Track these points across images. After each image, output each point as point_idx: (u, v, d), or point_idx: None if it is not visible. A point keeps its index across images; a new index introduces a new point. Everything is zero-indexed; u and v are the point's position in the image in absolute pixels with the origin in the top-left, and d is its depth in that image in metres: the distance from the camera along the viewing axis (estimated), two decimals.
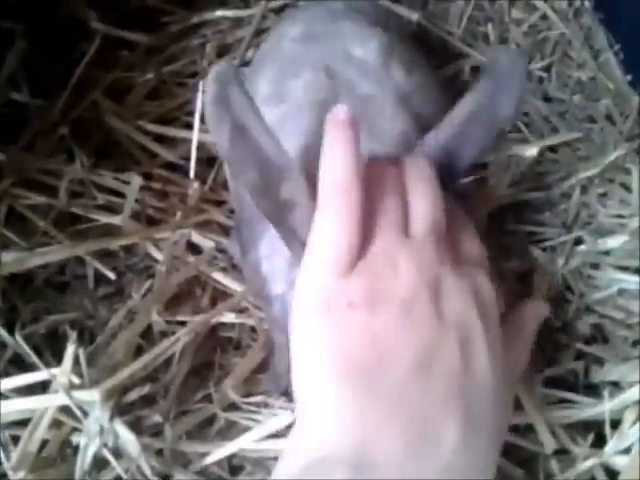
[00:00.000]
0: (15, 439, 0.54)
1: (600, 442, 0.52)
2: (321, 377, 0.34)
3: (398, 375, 0.33)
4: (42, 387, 0.55)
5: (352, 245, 0.37)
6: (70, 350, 0.54)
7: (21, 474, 0.51)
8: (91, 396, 0.52)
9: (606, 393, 0.53)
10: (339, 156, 0.40)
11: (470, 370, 0.34)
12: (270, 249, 0.54)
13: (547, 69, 0.90)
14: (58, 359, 0.55)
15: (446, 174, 0.46)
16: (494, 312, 0.37)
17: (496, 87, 0.46)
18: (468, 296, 0.36)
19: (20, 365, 0.59)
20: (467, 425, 0.33)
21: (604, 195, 0.73)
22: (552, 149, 0.79)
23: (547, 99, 0.87)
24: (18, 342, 0.58)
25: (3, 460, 0.53)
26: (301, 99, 0.60)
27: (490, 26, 0.93)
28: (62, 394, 0.53)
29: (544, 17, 0.95)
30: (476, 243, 0.43)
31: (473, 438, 0.33)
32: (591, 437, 0.52)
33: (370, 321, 0.35)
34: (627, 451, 0.51)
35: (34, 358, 0.57)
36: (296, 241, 0.46)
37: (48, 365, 0.57)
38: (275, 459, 0.51)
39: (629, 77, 0.89)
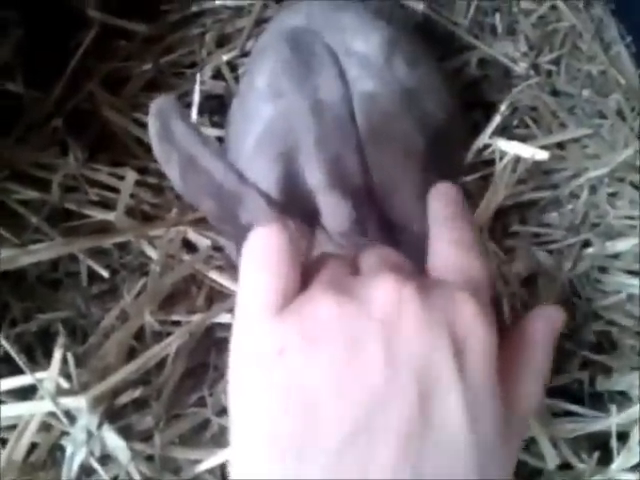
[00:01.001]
0: (4, 442, 0.53)
1: (606, 456, 0.51)
2: (250, 440, 0.28)
3: (334, 440, 0.26)
4: (33, 388, 0.53)
5: (283, 287, 0.30)
6: (58, 354, 0.53)
7: (8, 479, 0.50)
8: (78, 402, 0.50)
9: (614, 408, 0.52)
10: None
11: (432, 430, 0.26)
12: None
13: (556, 62, 0.88)
14: (49, 358, 0.54)
15: (351, 191, 0.44)
16: (479, 347, 0.28)
17: (306, 81, 0.43)
18: (436, 330, 0.27)
19: (12, 364, 0.57)
20: None
21: (613, 195, 0.71)
22: (560, 146, 0.77)
23: (555, 93, 0.85)
24: (4, 344, 0.57)
25: None
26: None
27: (498, 17, 0.91)
28: (48, 401, 0.51)
29: (554, 8, 0.93)
30: (461, 254, 0.33)
31: None
32: (597, 454, 0.50)
33: (301, 371, 0.28)
34: (635, 468, 0.49)
35: (20, 363, 0.55)
36: None
37: (39, 365, 0.56)
38: None
39: None
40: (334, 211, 0.45)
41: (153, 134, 0.42)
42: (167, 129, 0.41)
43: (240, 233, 0.43)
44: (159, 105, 0.42)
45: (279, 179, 0.55)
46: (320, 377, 0.27)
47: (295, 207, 0.46)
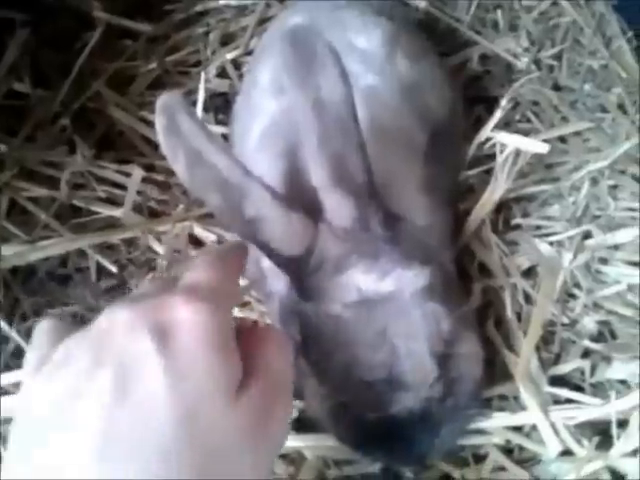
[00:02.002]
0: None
1: (606, 443, 0.51)
2: None
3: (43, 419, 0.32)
4: None
5: None
6: None
7: None
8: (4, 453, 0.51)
9: (613, 394, 0.52)
10: None
11: (130, 400, 0.30)
12: None
13: (558, 57, 0.88)
14: None
15: (353, 187, 0.45)
16: (185, 327, 0.33)
17: (308, 79, 0.44)
18: (138, 328, 0.32)
19: (22, 358, 0.58)
20: (109, 452, 0.30)
21: (615, 187, 0.71)
22: (562, 139, 0.77)
23: (557, 88, 0.85)
24: (17, 336, 0.58)
25: (2, 453, 0.53)
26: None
27: (500, 13, 0.92)
28: None
29: (555, 3, 0.93)
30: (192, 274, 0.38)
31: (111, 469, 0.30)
32: (596, 439, 0.51)
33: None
34: (634, 453, 0.50)
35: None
36: (273, 254, 0.46)
37: None
38: None
39: None
40: (337, 208, 0.46)
41: (160, 129, 0.43)
42: (173, 124, 0.42)
43: (245, 227, 0.44)
44: (165, 101, 0.43)
45: (283, 174, 0.55)
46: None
47: (299, 201, 0.47)
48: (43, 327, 0.39)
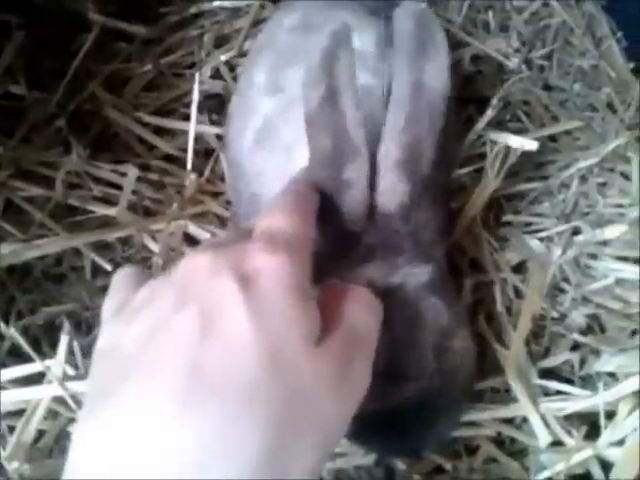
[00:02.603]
0: (12, 430, 0.54)
1: (595, 433, 0.52)
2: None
3: (131, 347, 0.32)
4: (39, 378, 0.55)
5: None
6: (64, 341, 0.55)
7: (15, 464, 0.52)
8: (85, 387, 0.52)
9: (601, 385, 0.53)
10: None
11: (215, 338, 0.31)
12: None
13: (548, 57, 0.89)
14: (55, 349, 0.56)
15: (415, 176, 0.45)
16: (267, 272, 0.33)
17: (416, 61, 0.44)
18: (222, 271, 0.33)
19: (18, 356, 0.59)
20: (191, 396, 0.30)
21: (604, 185, 0.72)
22: (552, 138, 0.79)
23: (548, 87, 0.86)
24: (13, 334, 0.59)
25: (0, 451, 0.53)
26: (297, 89, 0.59)
27: (491, 14, 0.93)
28: (56, 385, 0.53)
29: (546, 4, 0.95)
30: (268, 219, 0.38)
31: (199, 414, 0.29)
32: (584, 429, 0.52)
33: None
34: (621, 443, 0.50)
35: (28, 349, 0.57)
36: (331, 223, 0.45)
37: (45, 356, 0.58)
38: None
39: (631, 65, 0.88)
40: (393, 190, 0.46)
41: (322, 51, 0.42)
42: (334, 54, 0.42)
43: (334, 182, 0.44)
44: (341, 28, 0.43)
45: (280, 171, 0.56)
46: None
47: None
48: (121, 275, 0.40)
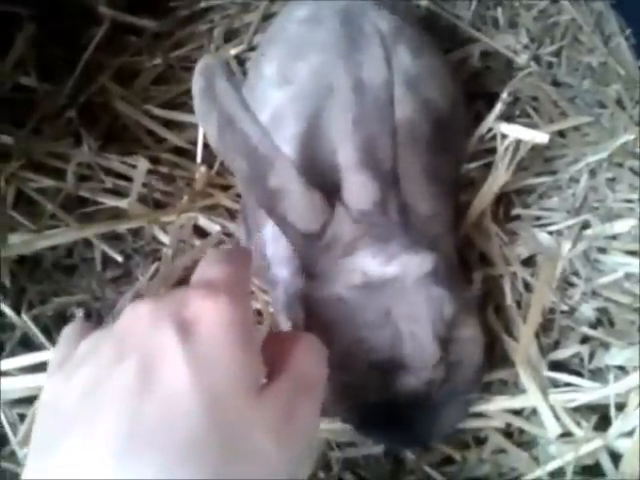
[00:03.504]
0: (22, 417, 0.55)
1: (604, 425, 0.52)
2: None
3: (72, 402, 0.32)
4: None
5: None
6: None
7: (27, 450, 0.52)
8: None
9: (611, 376, 0.53)
10: None
11: (153, 391, 0.30)
12: (273, 235, 0.54)
13: (557, 54, 0.89)
14: None
15: (380, 171, 0.46)
16: (208, 320, 0.33)
17: (351, 58, 0.45)
18: (162, 320, 0.33)
19: (28, 346, 0.60)
20: (129, 447, 0.29)
21: (613, 180, 0.72)
22: (561, 134, 0.79)
23: (557, 84, 0.86)
24: (26, 322, 0.59)
25: (11, 437, 0.54)
26: (307, 82, 0.59)
27: (500, 10, 0.93)
28: None
29: (555, 1, 0.95)
30: (205, 270, 0.39)
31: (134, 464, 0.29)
32: (594, 419, 0.52)
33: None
34: (631, 434, 0.50)
35: (41, 337, 0.57)
36: (289, 228, 0.46)
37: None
38: None
39: None
40: (360, 189, 0.46)
41: (196, 90, 0.43)
42: (210, 87, 0.43)
43: (266, 196, 0.45)
44: (206, 63, 0.43)
45: (298, 153, 0.56)
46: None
47: (316, 180, 0.48)
48: (67, 331, 0.40)
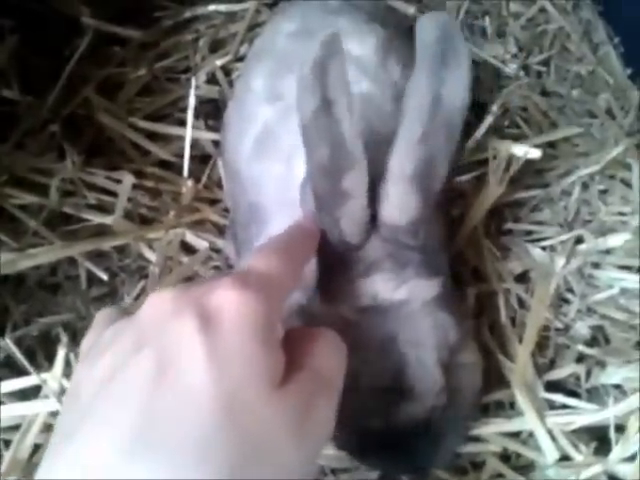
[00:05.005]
0: (8, 444, 0.53)
1: (603, 448, 0.52)
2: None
3: (86, 396, 0.32)
4: (36, 390, 0.54)
5: None
6: (61, 354, 0.54)
7: (12, 479, 0.51)
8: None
9: (609, 399, 0.53)
10: None
11: (169, 386, 0.30)
12: None
13: (546, 63, 0.89)
14: (51, 361, 0.55)
15: (427, 192, 0.44)
16: (231, 314, 0.32)
17: (436, 73, 0.42)
18: (183, 310, 0.32)
19: (13, 368, 0.58)
20: (141, 445, 0.29)
21: (605, 192, 0.72)
22: (551, 144, 0.78)
23: (545, 93, 0.86)
24: (8, 346, 0.58)
25: None
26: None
27: (487, 19, 0.92)
28: (53, 399, 0.52)
29: (543, 10, 0.94)
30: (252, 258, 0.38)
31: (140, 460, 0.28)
32: (593, 444, 0.51)
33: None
34: (632, 459, 0.50)
35: (25, 363, 0.56)
36: (334, 232, 0.45)
37: (40, 368, 0.57)
38: None
39: (629, 71, 0.88)
40: (403, 203, 0.45)
41: (312, 62, 0.41)
42: (326, 64, 0.41)
43: (332, 194, 0.43)
44: (331, 38, 0.41)
45: (280, 180, 0.55)
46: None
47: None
48: (101, 314, 0.39)
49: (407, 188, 0.44)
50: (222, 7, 0.90)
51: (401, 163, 0.44)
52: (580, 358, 0.59)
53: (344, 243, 0.45)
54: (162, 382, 0.30)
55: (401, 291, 0.45)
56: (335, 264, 0.47)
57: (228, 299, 0.32)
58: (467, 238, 0.64)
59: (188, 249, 0.67)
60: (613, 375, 0.56)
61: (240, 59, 0.84)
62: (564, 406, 0.54)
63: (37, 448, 0.53)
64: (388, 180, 0.44)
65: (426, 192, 0.44)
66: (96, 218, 0.68)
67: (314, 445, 0.33)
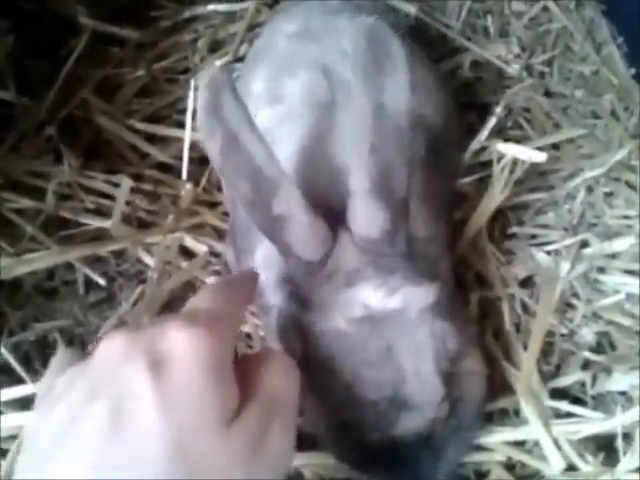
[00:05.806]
0: (5, 453, 0.52)
1: (609, 456, 0.51)
2: None
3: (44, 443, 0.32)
4: (33, 398, 0.53)
5: None
6: None
7: None
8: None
9: (615, 407, 0.52)
10: None
11: (123, 432, 0.30)
12: (266, 260, 0.52)
13: (549, 63, 0.88)
14: (47, 367, 0.54)
15: (392, 201, 0.44)
16: (182, 357, 0.32)
17: (373, 82, 0.41)
18: (134, 357, 0.32)
19: (9, 374, 0.57)
20: None
21: (610, 195, 0.71)
22: (555, 146, 0.77)
23: (549, 94, 0.85)
24: (4, 353, 0.57)
25: None
26: (297, 100, 0.57)
27: (490, 19, 0.91)
28: None
29: (545, 9, 0.93)
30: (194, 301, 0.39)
31: None
32: (601, 453, 0.50)
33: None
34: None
35: (20, 371, 0.55)
36: (291, 255, 0.45)
37: (37, 374, 0.56)
38: None
39: (633, 70, 0.87)
40: (370, 217, 0.44)
41: (201, 105, 0.41)
42: (216, 102, 0.40)
43: (269, 222, 0.43)
44: (214, 76, 0.41)
45: (298, 176, 0.54)
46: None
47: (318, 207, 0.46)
48: (55, 360, 0.39)
49: (370, 203, 0.44)
50: (221, 7, 0.89)
51: (358, 179, 0.43)
52: (585, 364, 0.58)
53: (307, 263, 0.45)
54: (115, 433, 0.30)
55: (394, 299, 0.44)
56: (312, 281, 0.46)
57: (179, 339, 0.33)
58: (470, 242, 0.63)
59: (187, 253, 0.66)
60: (619, 382, 0.55)
61: (240, 59, 0.83)
62: (569, 414, 0.53)
63: None
64: (351, 197, 0.44)
65: (390, 201, 0.43)
66: (94, 222, 0.67)
67: (272, 469, 0.34)
